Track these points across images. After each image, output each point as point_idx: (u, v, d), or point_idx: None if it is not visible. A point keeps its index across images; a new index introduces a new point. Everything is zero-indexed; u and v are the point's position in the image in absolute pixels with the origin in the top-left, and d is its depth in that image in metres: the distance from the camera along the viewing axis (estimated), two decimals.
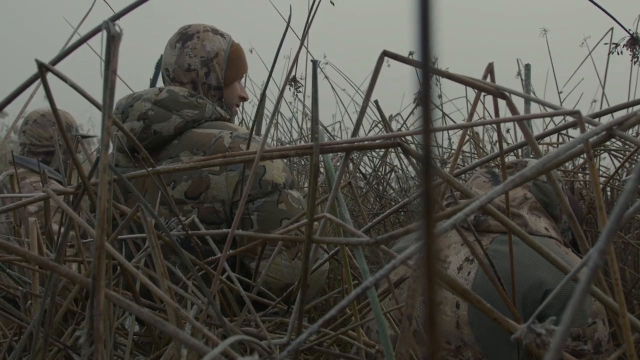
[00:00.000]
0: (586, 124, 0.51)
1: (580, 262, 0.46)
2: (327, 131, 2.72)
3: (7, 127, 6.29)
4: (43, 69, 0.46)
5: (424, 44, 0.13)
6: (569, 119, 0.64)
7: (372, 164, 2.48)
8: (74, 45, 0.51)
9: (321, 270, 1.44)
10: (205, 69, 1.57)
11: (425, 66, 0.14)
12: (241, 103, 1.71)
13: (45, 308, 0.61)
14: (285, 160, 1.79)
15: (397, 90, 2.77)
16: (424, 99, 0.14)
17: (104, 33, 0.48)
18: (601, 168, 2.13)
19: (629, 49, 1.40)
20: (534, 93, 2.40)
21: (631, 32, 1.33)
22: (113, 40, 0.45)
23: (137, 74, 2.28)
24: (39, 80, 0.52)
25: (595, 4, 1.07)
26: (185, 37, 1.58)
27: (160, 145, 1.49)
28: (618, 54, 1.60)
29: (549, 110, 1.24)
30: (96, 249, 0.41)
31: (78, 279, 0.45)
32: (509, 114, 0.60)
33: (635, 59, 1.40)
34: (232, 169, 1.43)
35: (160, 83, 1.70)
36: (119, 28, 0.46)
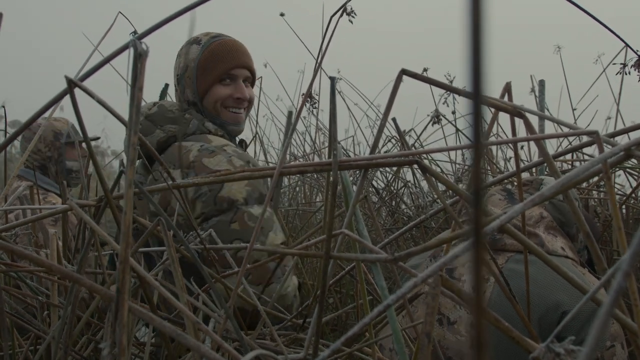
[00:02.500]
0: (604, 144, 0.51)
1: (598, 283, 0.46)
2: (342, 147, 2.74)
3: (19, 139, 6.36)
4: (72, 85, 0.48)
5: (476, 79, 0.14)
6: (585, 137, 0.64)
7: (384, 179, 2.48)
8: (101, 62, 0.53)
9: (284, 294, 1.34)
10: (180, 86, 1.54)
11: (477, 103, 0.14)
12: (246, 104, 1.55)
13: (65, 319, 0.61)
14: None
15: (411, 106, 2.78)
16: (475, 132, 0.15)
17: (130, 50, 0.49)
18: (616, 185, 2.12)
19: (637, 70, 1.39)
20: (548, 110, 2.40)
21: (639, 53, 1.33)
22: (140, 58, 0.46)
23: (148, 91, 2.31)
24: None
25: (605, 26, 1.08)
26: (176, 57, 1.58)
27: (149, 158, 1.49)
28: (626, 74, 1.60)
29: (566, 129, 1.24)
30: (120, 263, 0.42)
31: (101, 292, 0.46)
32: (523, 130, 0.61)
33: None
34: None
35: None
36: (145, 46, 0.47)
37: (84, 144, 2.40)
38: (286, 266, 1.37)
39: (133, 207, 0.64)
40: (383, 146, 2.48)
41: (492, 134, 2.36)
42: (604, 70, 2.20)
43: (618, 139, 0.64)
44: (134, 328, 0.66)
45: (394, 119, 0.70)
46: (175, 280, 0.57)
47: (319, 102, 1.96)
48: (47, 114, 0.66)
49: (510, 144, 2.08)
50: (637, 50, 1.25)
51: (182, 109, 1.51)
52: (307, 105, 1.60)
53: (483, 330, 0.16)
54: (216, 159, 1.39)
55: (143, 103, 1.56)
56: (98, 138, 2.60)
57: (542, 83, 1.70)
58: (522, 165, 0.71)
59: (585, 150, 2.01)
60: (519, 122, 0.61)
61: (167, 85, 1.74)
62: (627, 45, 1.33)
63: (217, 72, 1.50)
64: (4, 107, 1.26)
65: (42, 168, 2.29)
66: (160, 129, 1.46)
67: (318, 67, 0.69)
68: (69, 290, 0.55)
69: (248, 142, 1.75)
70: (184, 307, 0.47)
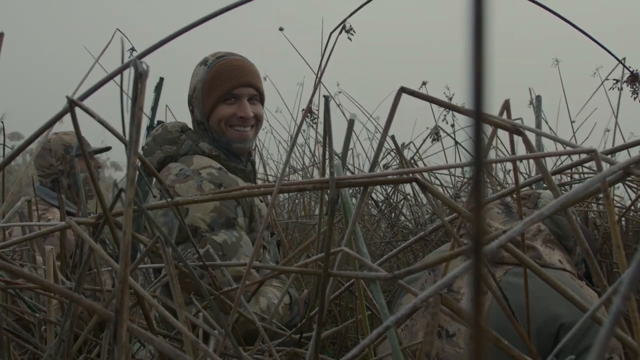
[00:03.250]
0: (602, 162, 0.51)
1: (597, 303, 0.46)
2: (339, 158, 2.74)
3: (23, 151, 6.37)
4: (72, 105, 0.48)
5: (477, 98, 0.14)
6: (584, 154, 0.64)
7: (384, 192, 2.48)
8: (101, 81, 0.53)
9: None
10: (190, 107, 1.58)
11: (478, 122, 0.14)
12: (251, 122, 1.54)
13: (62, 337, 0.61)
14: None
15: (409, 118, 2.79)
16: (476, 152, 0.15)
17: (131, 70, 0.49)
18: (615, 197, 2.12)
19: (629, 86, 1.40)
20: (547, 122, 2.40)
21: (631, 70, 1.34)
22: (140, 78, 0.47)
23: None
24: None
25: (598, 43, 1.08)
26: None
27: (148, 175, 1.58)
28: (619, 89, 1.61)
29: (566, 148, 1.24)
30: (119, 282, 0.42)
31: (99, 311, 0.46)
32: (522, 145, 0.61)
33: (635, 95, 1.40)
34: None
35: (161, 108, 1.79)
36: (146, 66, 0.48)
37: (95, 155, 2.44)
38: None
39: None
40: (382, 159, 2.48)
41: (491, 146, 2.37)
42: (602, 83, 2.21)
43: (617, 155, 0.64)
44: (131, 346, 0.66)
45: (392, 137, 0.71)
46: (174, 298, 0.57)
47: (318, 117, 1.97)
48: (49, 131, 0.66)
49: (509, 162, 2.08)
50: (630, 67, 1.26)
51: (183, 129, 1.57)
52: (307, 120, 1.61)
53: (483, 350, 0.16)
54: (187, 184, 1.42)
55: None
56: (109, 148, 2.61)
57: (538, 99, 1.71)
58: (521, 180, 0.72)
59: (586, 165, 2.01)
60: (517, 137, 0.62)
61: (161, 80, 1.75)
62: (620, 62, 1.35)
63: (220, 92, 1.51)
64: (2, 121, 1.27)
65: (54, 182, 2.30)
66: (160, 149, 1.53)
67: (318, 83, 0.69)
68: (67, 308, 0.55)
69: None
70: (182, 326, 0.47)
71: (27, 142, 0.51)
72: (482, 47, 0.16)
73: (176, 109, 2.38)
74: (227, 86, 1.51)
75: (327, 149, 0.59)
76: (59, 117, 0.51)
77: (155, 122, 1.74)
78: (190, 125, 1.63)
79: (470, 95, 0.17)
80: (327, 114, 0.65)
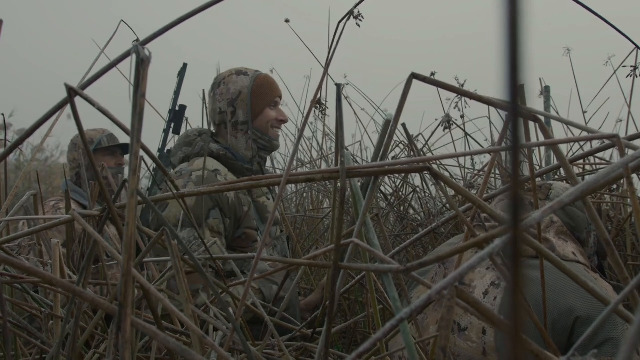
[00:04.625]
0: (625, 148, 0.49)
1: (619, 296, 0.44)
2: (348, 150, 2.72)
3: (32, 146, 6.42)
4: (72, 93, 0.46)
5: (513, 84, 0.12)
6: (601, 141, 0.62)
7: (393, 184, 2.46)
8: (103, 70, 0.51)
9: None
10: (231, 108, 1.82)
11: (515, 110, 0.13)
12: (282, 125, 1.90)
13: (67, 332, 0.60)
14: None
15: (418, 110, 2.75)
16: (514, 144, 0.13)
17: (133, 57, 0.48)
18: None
19: None
20: (556, 112, 2.37)
21: None
22: (142, 64, 0.45)
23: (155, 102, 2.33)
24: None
25: (614, 26, 1.05)
26: (214, 85, 1.86)
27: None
28: (636, 76, 1.57)
29: (579, 133, 1.22)
30: (123, 276, 0.41)
31: (104, 306, 0.44)
32: (538, 135, 0.59)
33: None
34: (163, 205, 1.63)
35: (183, 93, 1.94)
36: (148, 52, 0.46)
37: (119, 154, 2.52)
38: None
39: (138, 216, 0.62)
40: (391, 151, 2.46)
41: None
42: (614, 72, 2.17)
43: (637, 142, 0.62)
44: (138, 340, 0.65)
45: (403, 124, 0.69)
46: (179, 292, 0.55)
47: (327, 107, 1.96)
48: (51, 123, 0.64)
49: (524, 149, 2.05)
50: None
51: (200, 133, 1.82)
52: (316, 111, 1.62)
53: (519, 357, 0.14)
54: (177, 182, 1.64)
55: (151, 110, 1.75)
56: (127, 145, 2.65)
57: (547, 89, 1.68)
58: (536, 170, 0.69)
59: (598, 155, 1.98)
60: (531, 126, 0.59)
61: (185, 65, 1.90)
62: (637, 46, 1.31)
63: (269, 99, 1.84)
64: (2, 115, 1.26)
65: (77, 176, 2.43)
66: (181, 151, 1.81)
67: (325, 73, 0.67)
68: (70, 302, 0.54)
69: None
70: (189, 320, 0.45)
71: (27, 134, 0.50)
72: (517, 30, 0.15)
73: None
74: (273, 95, 1.85)
75: (339, 138, 0.58)
76: (59, 107, 0.50)
77: (178, 106, 1.90)
78: (208, 127, 1.91)
79: (505, 78, 0.15)
80: (338, 102, 0.64)
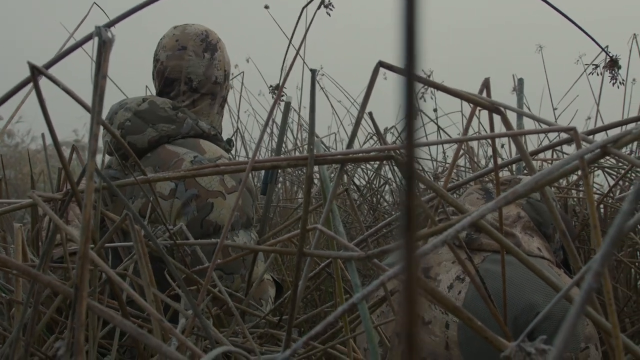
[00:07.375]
0: (581, 141, 0.51)
1: (572, 281, 0.46)
2: (323, 143, 2.72)
3: None
4: (35, 72, 0.46)
5: (409, 51, 0.13)
6: (563, 135, 0.63)
7: (366, 176, 2.47)
8: (68, 49, 0.51)
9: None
10: (226, 82, 1.56)
11: (410, 75, 0.13)
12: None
13: (26, 317, 0.59)
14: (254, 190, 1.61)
15: (393, 103, 2.77)
16: (408, 111, 0.14)
17: (97, 39, 0.47)
18: (595, 185, 2.13)
19: (608, 71, 1.40)
20: (528, 108, 2.41)
21: (611, 55, 1.34)
22: (105, 46, 0.44)
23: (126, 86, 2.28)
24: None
25: (581, 28, 1.07)
26: (210, 47, 1.50)
27: (125, 156, 1.39)
28: (598, 74, 1.61)
29: (545, 126, 1.24)
30: (79, 258, 0.40)
31: (60, 289, 0.44)
32: (504, 129, 0.60)
33: (614, 81, 1.40)
34: (178, 198, 1.33)
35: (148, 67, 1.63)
36: (111, 34, 0.46)
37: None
38: (262, 299, 1.39)
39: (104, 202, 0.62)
40: (365, 143, 2.47)
41: (473, 132, 2.37)
42: (584, 71, 2.21)
43: (597, 137, 0.64)
44: (100, 326, 0.64)
45: (370, 113, 0.69)
46: (141, 276, 0.55)
47: (301, 97, 1.95)
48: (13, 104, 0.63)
49: (488, 140, 2.09)
50: (610, 53, 1.26)
51: (174, 107, 1.43)
52: (282, 98, 1.55)
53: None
54: (209, 177, 1.34)
55: (133, 97, 1.47)
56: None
57: (520, 82, 1.70)
58: (500, 162, 0.71)
59: (565, 149, 2.02)
60: (497, 120, 0.61)
61: None
62: (603, 49, 1.34)
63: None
64: None
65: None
66: (152, 128, 1.39)
67: (295, 57, 0.68)
68: (30, 286, 0.53)
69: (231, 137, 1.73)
70: (147, 304, 0.45)
71: None
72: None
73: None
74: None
75: (311, 124, 0.58)
76: (20, 87, 0.49)
77: None
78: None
79: (401, 45, 0.16)
80: (312, 87, 0.64)
